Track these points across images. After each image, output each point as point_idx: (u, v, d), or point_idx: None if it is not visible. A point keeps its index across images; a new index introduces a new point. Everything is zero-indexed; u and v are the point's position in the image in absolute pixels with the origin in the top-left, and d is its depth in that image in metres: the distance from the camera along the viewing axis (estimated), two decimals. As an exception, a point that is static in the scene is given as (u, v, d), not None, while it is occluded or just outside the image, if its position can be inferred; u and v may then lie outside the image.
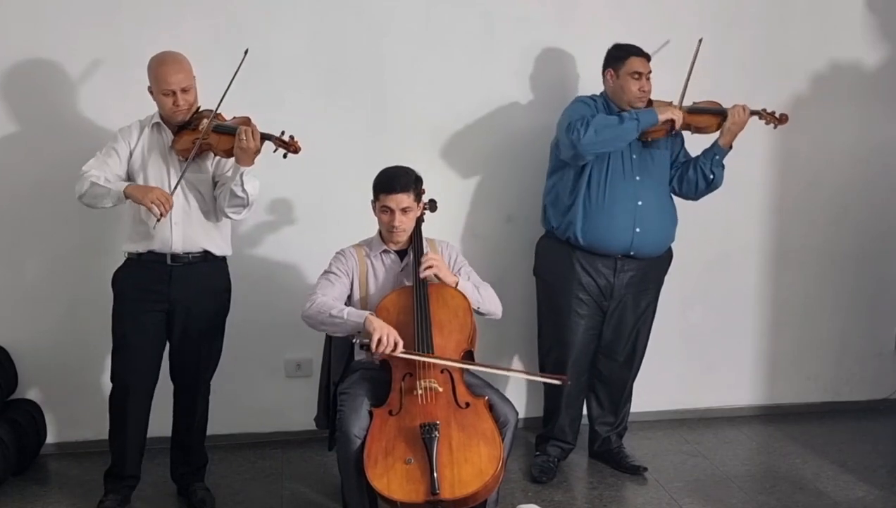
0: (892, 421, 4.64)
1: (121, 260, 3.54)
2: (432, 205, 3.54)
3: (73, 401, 4.12)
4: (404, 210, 3.28)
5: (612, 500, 3.80)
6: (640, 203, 3.75)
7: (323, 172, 4.10)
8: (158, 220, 3.27)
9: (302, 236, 4.13)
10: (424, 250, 3.36)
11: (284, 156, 3.31)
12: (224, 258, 3.62)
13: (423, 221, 3.45)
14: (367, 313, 3.15)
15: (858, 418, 4.67)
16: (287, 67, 4.03)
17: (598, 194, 3.74)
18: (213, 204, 3.49)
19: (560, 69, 4.26)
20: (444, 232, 3.84)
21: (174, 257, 3.44)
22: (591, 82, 4.04)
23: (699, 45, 3.84)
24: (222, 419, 4.15)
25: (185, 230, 3.43)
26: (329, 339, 3.54)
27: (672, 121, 3.69)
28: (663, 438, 4.42)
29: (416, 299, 3.22)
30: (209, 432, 3.80)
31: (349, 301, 3.39)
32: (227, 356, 4.14)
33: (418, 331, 3.15)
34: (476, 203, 4.32)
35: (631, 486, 3.93)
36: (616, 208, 3.73)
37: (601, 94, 3.87)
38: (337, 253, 3.42)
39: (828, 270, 4.67)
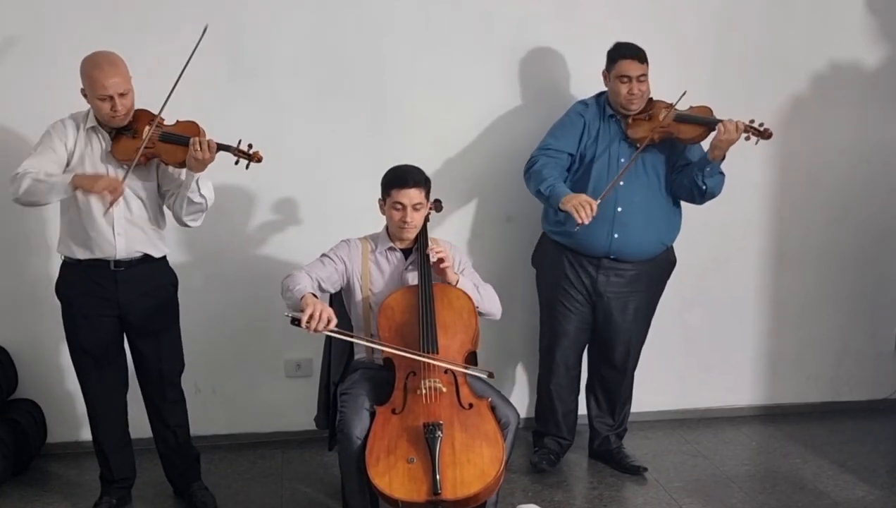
0: (892, 421, 4.65)
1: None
2: (437, 205, 3.54)
3: (73, 401, 4.10)
4: (416, 207, 3.28)
5: (612, 500, 3.80)
6: (619, 209, 3.70)
7: (322, 172, 4.10)
8: (108, 209, 3.17)
9: (302, 236, 4.12)
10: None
11: (247, 167, 3.20)
12: (164, 257, 3.52)
13: (428, 220, 3.45)
14: (308, 292, 3.10)
15: (858, 418, 4.68)
16: (287, 67, 4.03)
17: None
18: (157, 210, 3.40)
19: (560, 69, 4.25)
20: (444, 232, 3.84)
21: (117, 262, 3.35)
22: (591, 83, 4.04)
23: (681, 97, 3.66)
24: (222, 419, 4.16)
25: (127, 239, 3.33)
26: (329, 339, 3.54)
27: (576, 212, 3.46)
28: (663, 438, 4.42)
29: (422, 299, 3.22)
30: (209, 432, 3.80)
31: (351, 299, 3.40)
32: (227, 356, 4.15)
33: (423, 331, 3.15)
34: (476, 203, 4.32)
35: (631, 486, 3.93)
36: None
37: (603, 93, 3.87)
38: (343, 240, 3.42)
39: (828, 270, 4.67)
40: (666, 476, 4.00)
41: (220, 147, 3.18)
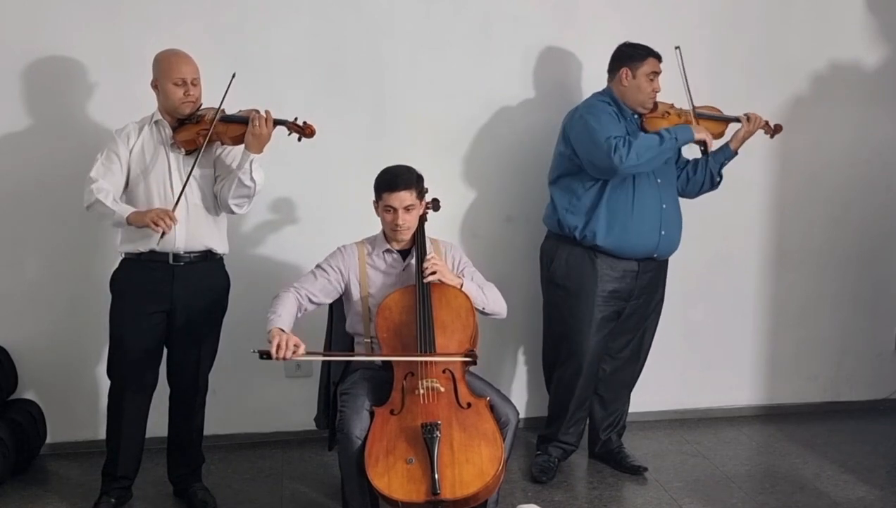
0: (892, 421, 4.64)
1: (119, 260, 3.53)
2: (435, 204, 3.53)
3: (73, 401, 4.11)
4: (407, 208, 3.27)
5: (612, 500, 3.80)
6: (664, 206, 3.76)
7: (323, 172, 4.10)
8: (163, 235, 3.21)
9: (302, 236, 4.13)
10: (428, 251, 3.35)
11: (299, 139, 3.35)
12: (222, 257, 3.60)
13: (426, 220, 3.45)
14: (276, 327, 3.10)
15: (858, 418, 4.68)
16: (287, 66, 4.03)
17: (624, 199, 3.71)
18: (213, 200, 3.47)
19: (559, 69, 4.26)
20: (444, 232, 3.84)
21: (176, 256, 3.42)
22: (591, 82, 4.04)
23: (679, 55, 3.74)
24: (222, 419, 4.15)
25: (188, 228, 3.40)
26: (329, 339, 3.55)
27: (704, 141, 3.73)
28: (663, 438, 4.42)
29: (419, 300, 3.21)
30: (209, 432, 3.79)
31: (350, 302, 3.40)
32: (227, 356, 4.13)
33: (421, 331, 3.15)
34: (476, 203, 4.32)
35: (631, 486, 3.92)
36: (643, 212, 3.72)
37: (605, 91, 3.83)
38: (338, 248, 3.42)
39: (828, 270, 4.67)
40: (666, 476, 4.00)
41: (277, 122, 3.34)
